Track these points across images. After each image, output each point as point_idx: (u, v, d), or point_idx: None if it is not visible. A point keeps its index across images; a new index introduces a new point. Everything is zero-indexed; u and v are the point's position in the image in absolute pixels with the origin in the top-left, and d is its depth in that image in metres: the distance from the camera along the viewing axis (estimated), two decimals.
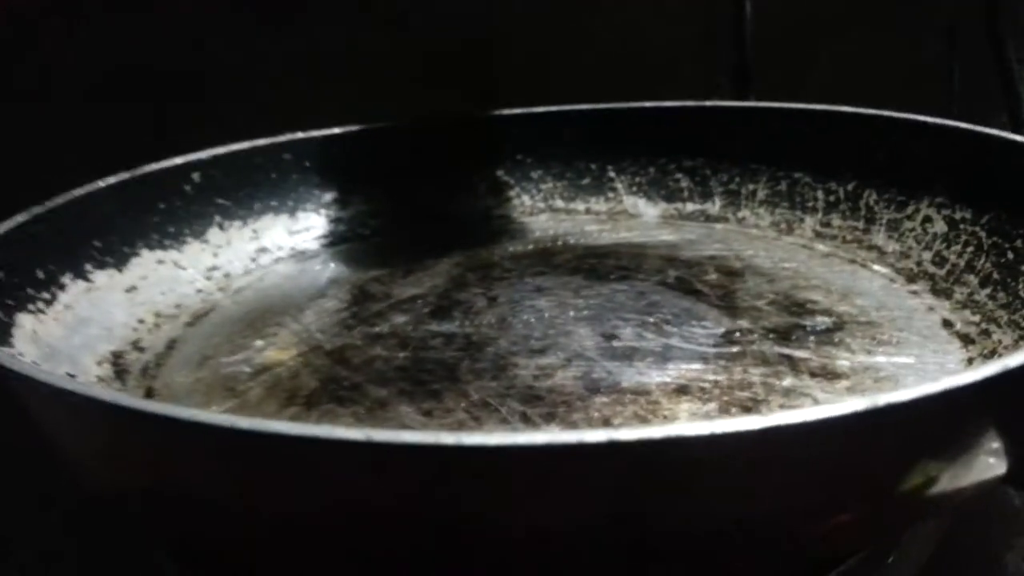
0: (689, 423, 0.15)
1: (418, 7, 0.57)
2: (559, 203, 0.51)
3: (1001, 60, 0.63)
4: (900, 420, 0.17)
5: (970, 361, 0.31)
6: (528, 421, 0.28)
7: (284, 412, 0.30)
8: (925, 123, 0.41)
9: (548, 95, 0.58)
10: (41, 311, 0.33)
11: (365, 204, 0.50)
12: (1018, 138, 0.36)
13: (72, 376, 0.32)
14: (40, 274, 0.35)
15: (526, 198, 0.52)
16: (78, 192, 0.38)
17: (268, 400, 0.31)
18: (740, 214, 0.47)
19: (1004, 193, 0.37)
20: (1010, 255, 0.35)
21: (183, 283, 0.41)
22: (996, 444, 0.19)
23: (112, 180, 0.40)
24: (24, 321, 0.32)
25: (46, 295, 0.34)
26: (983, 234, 0.37)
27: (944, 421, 0.18)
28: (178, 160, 0.43)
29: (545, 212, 0.51)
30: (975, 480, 0.20)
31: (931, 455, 0.18)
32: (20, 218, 0.35)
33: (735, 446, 0.15)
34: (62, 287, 0.35)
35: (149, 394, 0.32)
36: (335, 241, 0.48)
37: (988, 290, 0.35)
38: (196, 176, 0.44)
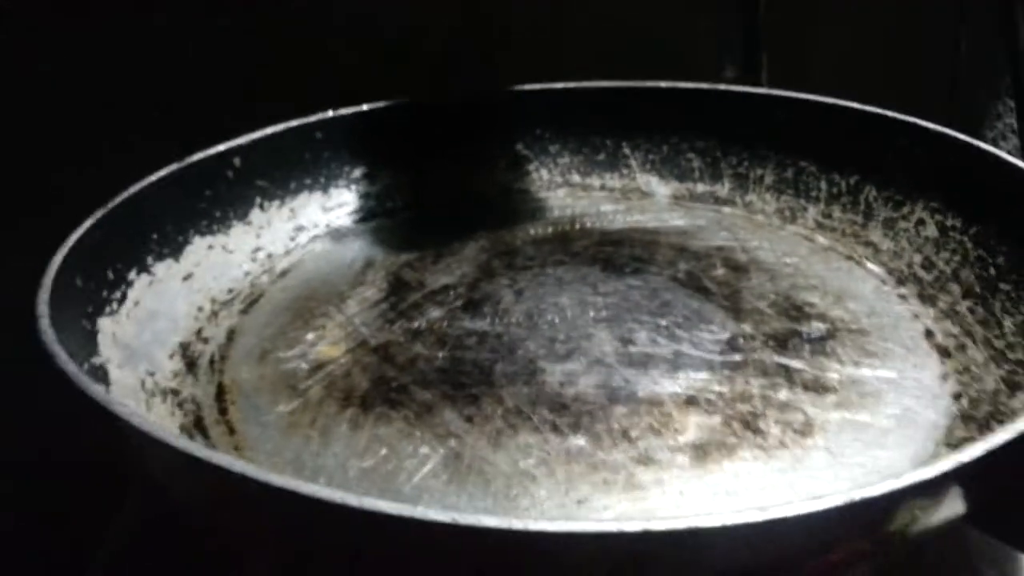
0: (695, 518, 0.20)
1: None
2: (576, 178, 0.54)
3: (1007, 25, 0.65)
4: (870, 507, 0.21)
5: (944, 377, 0.35)
6: (557, 430, 0.33)
7: (344, 413, 0.34)
8: (926, 129, 0.44)
9: (557, 68, 0.60)
10: (115, 312, 0.37)
11: (392, 179, 0.53)
12: (1011, 159, 0.39)
13: (152, 374, 0.36)
14: (110, 274, 0.38)
15: (544, 172, 0.55)
16: (134, 188, 0.41)
17: (328, 400, 0.35)
18: (747, 198, 0.51)
19: (993, 208, 0.40)
20: (992, 271, 0.39)
21: (232, 267, 0.45)
22: (959, 492, 0.24)
23: (163, 172, 0.43)
24: (104, 325, 0.36)
25: (117, 295, 0.38)
26: (970, 245, 0.41)
27: (909, 498, 0.22)
28: (220, 147, 0.46)
29: (563, 187, 0.54)
30: (943, 518, 0.24)
31: (910, 508, 0.23)
32: (87, 223, 0.38)
33: (738, 535, 0.20)
34: (130, 284, 0.39)
35: (220, 390, 0.36)
36: (366, 217, 0.51)
37: (969, 303, 0.38)
38: (237, 161, 0.47)
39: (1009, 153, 0.75)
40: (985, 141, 0.75)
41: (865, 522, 0.22)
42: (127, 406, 0.24)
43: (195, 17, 0.56)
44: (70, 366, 0.27)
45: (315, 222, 0.49)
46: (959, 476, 0.22)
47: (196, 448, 0.23)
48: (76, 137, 0.57)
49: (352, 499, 0.21)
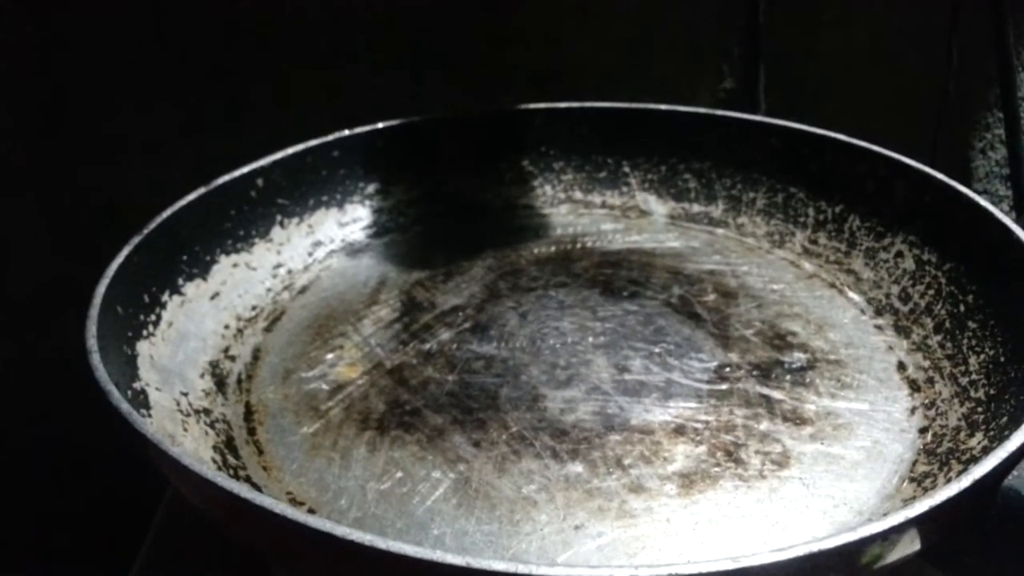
0: (682, 565, 0.23)
1: None
2: (578, 195, 0.57)
3: (998, 37, 0.67)
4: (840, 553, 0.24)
5: (912, 411, 0.38)
6: (557, 457, 0.36)
7: (362, 436, 0.37)
8: (908, 165, 0.47)
9: (561, 68, 0.62)
10: (152, 335, 0.40)
11: (404, 194, 0.56)
12: (983, 203, 0.42)
13: (185, 394, 0.39)
14: (146, 298, 0.41)
15: (548, 188, 0.57)
16: (167, 213, 0.44)
17: (347, 422, 0.38)
18: (739, 220, 0.53)
19: (966, 248, 0.43)
20: (962, 307, 0.42)
21: (255, 283, 0.48)
22: (911, 534, 0.27)
23: (192, 196, 0.46)
24: (142, 348, 0.39)
25: (153, 317, 0.41)
26: (943, 280, 0.44)
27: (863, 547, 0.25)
28: (245, 169, 0.49)
29: (565, 203, 0.57)
30: (901, 555, 0.27)
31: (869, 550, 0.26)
32: (125, 250, 0.41)
33: None
34: (164, 306, 0.42)
35: (248, 410, 0.39)
36: (379, 232, 0.54)
37: (940, 337, 0.42)
38: (260, 181, 0.50)
39: (997, 162, 0.78)
40: (973, 151, 0.78)
41: (825, 565, 0.25)
42: (190, 458, 0.27)
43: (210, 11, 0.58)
44: (123, 405, 0.30)
45: (331, 237, 0.52)
46: (905, 527, 0.25)
47: (250, 493, 0.26)
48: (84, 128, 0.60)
49: (380, 542, 0.24)
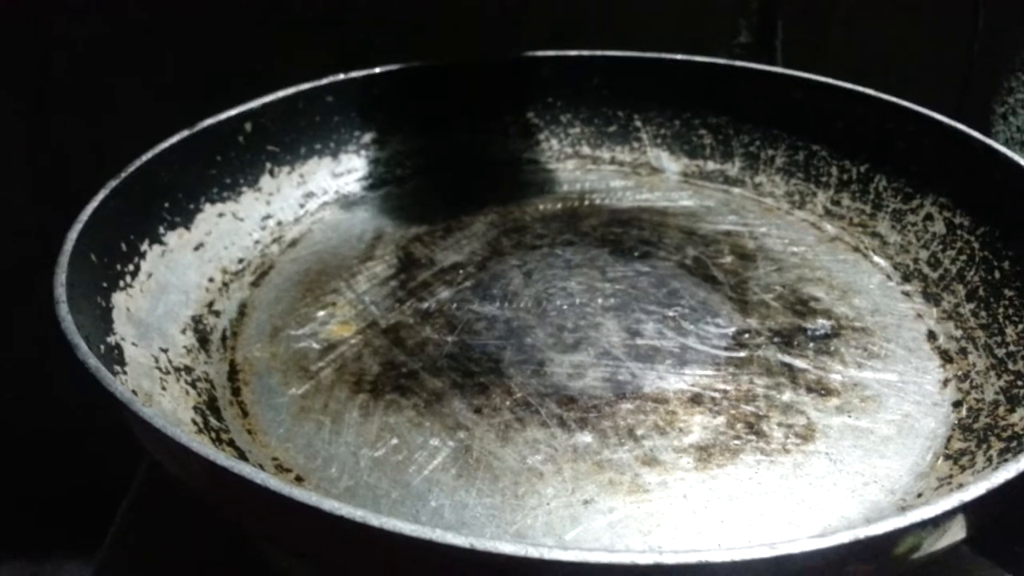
0: (713, 551, 0.20)
1: None
2: (586, 149, 0.54)
3: None
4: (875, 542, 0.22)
5: (945, 383, 0.36)
6: (564, 425, 0.33)
7: (355, 399, 0.35)
8: (940, 122, 0.44)
9: (572, 32, 0.59)
10: (129, 285, 0.37)
11: (402, 144, 0.53)
12: (1023, 162, 0.39)
13: (165, 350, 0.36)
14: (123, 247, 0.38)
15: (554, 142, 0.54)
16: (146, 157, 0.41)
17: (339, 384, 0.36)
18: (757, 179, 0.51)
19: (1002, 210, 0.40)
20: (997, 274, 0.39)
21: (242, 235, 0.45)
22: (960, 519, 0.25)
23: (174, 139, 0.42)
24: (118, 300, 0.36)
25: (131, 267, 0.38)
26: (977, 245, 0.41)
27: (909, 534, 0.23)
28: (232, 112, 0.45)
29: (572, 159, 0.54)
30: (946, 543, 0.25)
31: (913, 538, 0.24)
32: (101, 194, 0.37)
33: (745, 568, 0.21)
34: (143, 255, 0.39)
35: (233, 368, 0.37)
36: (375, 184, 0.51)
37: (973, 305, 0.39)
38: (248, 126, 0.46)
39: (1018, 128, 0.75)
40: (994, 116, 0.75)
41: (866, 553, 0.22)
42: (163, 419, 0.25)
43: None
44: (91, 360, 0.27)
45: (324, 188, 0.49)
46: (956, 513, 0.23)
47: (229, 461, 0.23)
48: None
49: (372, 518, 0.21)
